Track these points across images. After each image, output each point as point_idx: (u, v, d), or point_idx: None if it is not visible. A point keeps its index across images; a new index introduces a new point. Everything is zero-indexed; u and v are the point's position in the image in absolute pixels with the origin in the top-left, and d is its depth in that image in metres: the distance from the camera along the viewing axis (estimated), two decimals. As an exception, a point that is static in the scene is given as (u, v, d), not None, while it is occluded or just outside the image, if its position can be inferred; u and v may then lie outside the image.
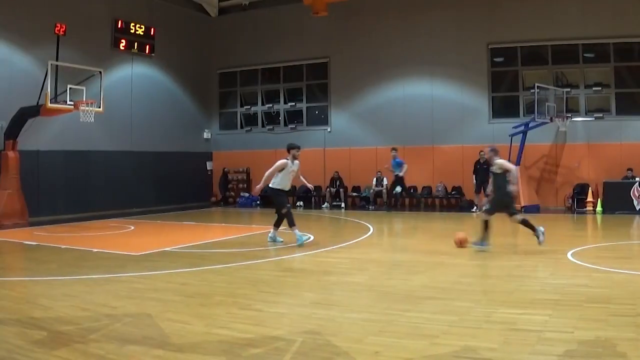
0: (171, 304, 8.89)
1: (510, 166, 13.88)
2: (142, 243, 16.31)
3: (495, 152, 14.15)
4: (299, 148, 15.77)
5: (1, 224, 21.11)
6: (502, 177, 13.71)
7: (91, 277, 11.20)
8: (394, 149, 26.17)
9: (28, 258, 14.72)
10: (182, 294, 9.60)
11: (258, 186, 15.78)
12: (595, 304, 8.35)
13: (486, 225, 13.95)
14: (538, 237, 13.46)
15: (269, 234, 15.74)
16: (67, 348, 6.72)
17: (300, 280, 10.81)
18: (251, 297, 9.24)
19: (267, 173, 15.30)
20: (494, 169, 13.87)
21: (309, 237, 15.57)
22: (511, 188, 13.69)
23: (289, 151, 15.57)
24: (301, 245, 14.72)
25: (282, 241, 15.43)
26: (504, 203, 13.89)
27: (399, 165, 25.61)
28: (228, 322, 7.78)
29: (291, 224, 15.12)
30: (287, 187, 15.65)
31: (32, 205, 22.68)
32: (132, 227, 20.47)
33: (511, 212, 13.95)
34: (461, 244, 14.31)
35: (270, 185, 15.39)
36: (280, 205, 15.47)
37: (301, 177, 16.06)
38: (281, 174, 15.31)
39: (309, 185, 17.09)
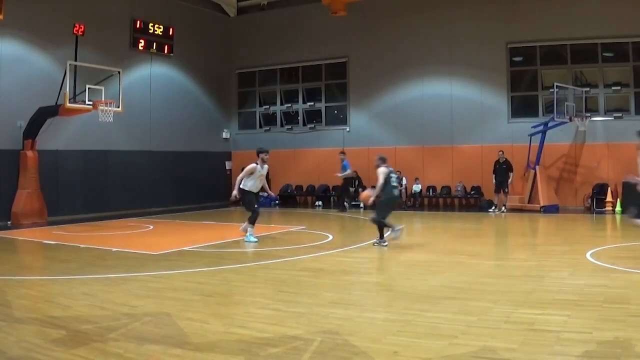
0: (190, 303, 8.93)
1: (380, 178, 14.79)
2: (161, 242, 16.37)
3: (382, 160, 15.12)
4: (267, 152, 16.47)
5: (20, 223, 21.29)
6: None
7: (110, 276, 11.27)
8: (342, 152, 26.47)
9: (47, 257, 14.82)
10: (201, 293, 9.63)
11: (234, 192, 16.42)
12: (614, 304, 8.31)
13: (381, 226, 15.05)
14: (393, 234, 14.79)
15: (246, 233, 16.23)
16: (85, 347, 6.77)
17: (318, 279, 10.81)
18: (269, 297, 9.29)
19: (238, 177, 16.30)
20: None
21: (256, 241, 15.78)
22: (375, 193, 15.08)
23: (258, 155, 16.23)
24: (248, 243, 15.67)
25: (255, 241, 15.91)
26: (389, 206, 15.17)
27: (346, 168, 25.72)
28: (246, 321, 7.81)
29: (252, 222, 16.06)
30: (256, 189, 16.35)
31: (51, 205, 22.86)
32: (151, 227, 20.55)
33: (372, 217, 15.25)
34: (365, 199, 15.68)
35: (241, 186, 16.10)
36: (250, 204, 16.20)
37: (264, 184, 16.66)
38: (251, 177, 16.07)
39: (270, 193, 17.95)
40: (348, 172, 26.08)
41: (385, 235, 14.88)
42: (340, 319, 7.79)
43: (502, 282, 10.00)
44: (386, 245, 14.56)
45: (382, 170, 14.76)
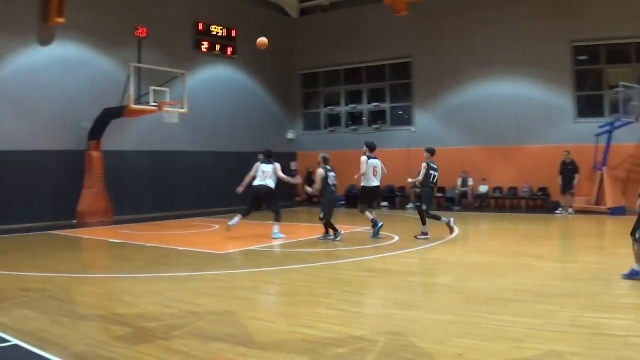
0: (255, 302, 9.03)
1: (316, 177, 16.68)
2: (226, 242, 16.51)
3: (324, 159, 16.61)
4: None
5: (86, 222, 21.73)
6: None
7: (175, 275, 11.45)
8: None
9: (112, 255, 15.13)
10: (266, 293, 9.74)
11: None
12: (683, 308, 8.16)
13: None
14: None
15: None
16: (150, 344, 6.89)
17: (383, 280, 10.82)
18: (334, 297, 9.31)
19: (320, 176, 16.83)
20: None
21: (235, 222, 17.00)
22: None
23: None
24: (229, 227, 16.92)
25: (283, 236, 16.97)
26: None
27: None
28: (311, 321, 7.86)
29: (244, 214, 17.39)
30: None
31: (116, 204, 23.34)
32: (217, 226, 20.74)
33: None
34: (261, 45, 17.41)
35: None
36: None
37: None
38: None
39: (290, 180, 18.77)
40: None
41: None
42: (404, 320, 7.79)
43: (569, 285, 9.87)
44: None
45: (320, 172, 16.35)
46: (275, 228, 16.95)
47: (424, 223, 16.16)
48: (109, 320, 7.96)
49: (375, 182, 16.53)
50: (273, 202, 17.37)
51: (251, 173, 17.04)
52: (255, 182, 16.93)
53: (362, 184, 16.59)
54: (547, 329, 7.19)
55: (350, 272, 11.72)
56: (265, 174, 16.91)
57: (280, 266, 12.33)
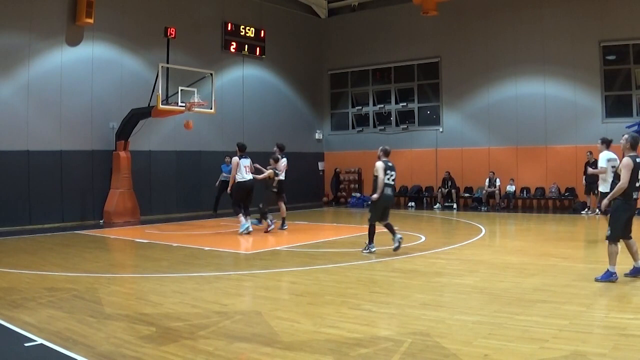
0: (281, 303, 9.06)
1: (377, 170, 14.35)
2: (253, 242, 16.61)
3: (385, 152, 14.78)
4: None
5: (113, 222, 21.91)
6: None
7: (202, 275, 11.52)
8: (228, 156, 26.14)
9: (139, 255, 15.23)
10: (292, 293, 9.77)
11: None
12: None
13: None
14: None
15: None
16: (175, 344, 6.96)
17: (410, 281, 10.82)
18: (361, 297, 9.34)
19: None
20: None
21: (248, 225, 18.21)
22: None
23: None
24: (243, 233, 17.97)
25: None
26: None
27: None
28: (337, 321, 7.90)
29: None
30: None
31: (144, 204, 23.51)
32: (244, 227, 20.80)
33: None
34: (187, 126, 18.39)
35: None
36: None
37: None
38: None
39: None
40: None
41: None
42: (431, 321, 7.81)
43: (595, 286, 9.82)
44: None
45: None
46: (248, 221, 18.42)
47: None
48: (135, 320, 8.04)
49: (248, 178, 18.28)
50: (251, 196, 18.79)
51: (235, 171, 18.15)
52: (242, 178, 18.15)
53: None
54: (573, 330, 7.19)
55: (377, 272, 11.73)
56: (247, 169, 18.20)
57: (307, 266, 12.36)
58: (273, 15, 30.75)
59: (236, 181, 18.16)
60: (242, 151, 18.39)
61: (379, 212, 14.22)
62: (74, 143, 22.36)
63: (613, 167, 14.40)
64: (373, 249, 14.02)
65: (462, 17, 28.87)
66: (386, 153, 14.66)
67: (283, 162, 19.34)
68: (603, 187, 14.66)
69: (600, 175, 14.94)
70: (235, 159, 18.17)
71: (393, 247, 13.76)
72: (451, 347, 6.63)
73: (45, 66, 21.81)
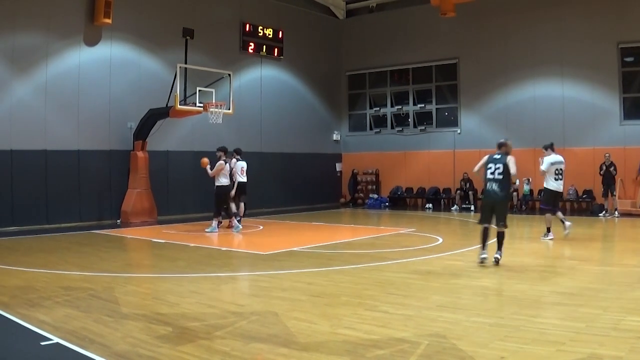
0: (297, 303, 9.05)
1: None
2: (270, 243, 16.63)
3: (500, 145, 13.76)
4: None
5: (130, 222, 21.98)
6: None
7: (219, 275, 11.55)
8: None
9: (156, 255, 15.29)
10: (309, 294, 9.75)
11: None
12: None
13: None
14: None
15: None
16: (192, 344, 6.97)
17: (427, 282, 10.79)
18: (377, 299, 9.32)
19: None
20: None
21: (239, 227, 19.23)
22: None
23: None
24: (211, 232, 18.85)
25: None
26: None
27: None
28: (354, 322, 7.88)
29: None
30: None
31: (161, 204, 23.61)
32: (261, 227, 20.88)
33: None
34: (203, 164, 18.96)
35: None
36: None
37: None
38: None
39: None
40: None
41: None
42: (448, 323, 7.79)
43: (612, 289, 9.76)
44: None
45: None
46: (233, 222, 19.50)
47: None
48: (151, 320, 8.06)
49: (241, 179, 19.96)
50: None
51: (218, 172, 19.14)
52: (240, 179, 19.85)
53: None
54: (590, 333, 7.15)
55: (394, 273, 11.70)
56: (243, 171, 19.86)
57: (324, 267, 12.35)
58: (291, 16, 30.81)
59: (237, 182, 19.68)
60: (239, 154, 20.14)
61: (484, 213, 13.02)
62: (91, 143, 22.49)
63: (557, 169, 16.72)
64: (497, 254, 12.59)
65: (480, 18, 28.77)
66: (500, 146, 13.02)
67: (241, 164, 20.24)
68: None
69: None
70: (220, 162, 19.00)
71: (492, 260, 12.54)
72: (468, 349, 6.61)
73: (63, 66, 21.95)
